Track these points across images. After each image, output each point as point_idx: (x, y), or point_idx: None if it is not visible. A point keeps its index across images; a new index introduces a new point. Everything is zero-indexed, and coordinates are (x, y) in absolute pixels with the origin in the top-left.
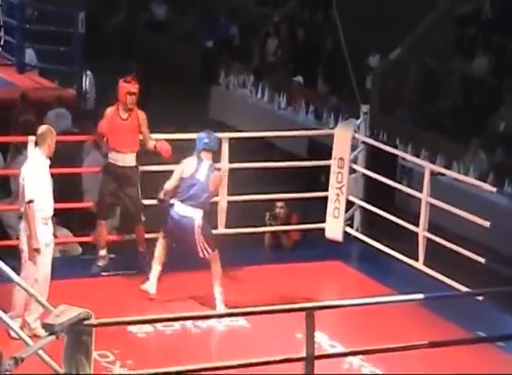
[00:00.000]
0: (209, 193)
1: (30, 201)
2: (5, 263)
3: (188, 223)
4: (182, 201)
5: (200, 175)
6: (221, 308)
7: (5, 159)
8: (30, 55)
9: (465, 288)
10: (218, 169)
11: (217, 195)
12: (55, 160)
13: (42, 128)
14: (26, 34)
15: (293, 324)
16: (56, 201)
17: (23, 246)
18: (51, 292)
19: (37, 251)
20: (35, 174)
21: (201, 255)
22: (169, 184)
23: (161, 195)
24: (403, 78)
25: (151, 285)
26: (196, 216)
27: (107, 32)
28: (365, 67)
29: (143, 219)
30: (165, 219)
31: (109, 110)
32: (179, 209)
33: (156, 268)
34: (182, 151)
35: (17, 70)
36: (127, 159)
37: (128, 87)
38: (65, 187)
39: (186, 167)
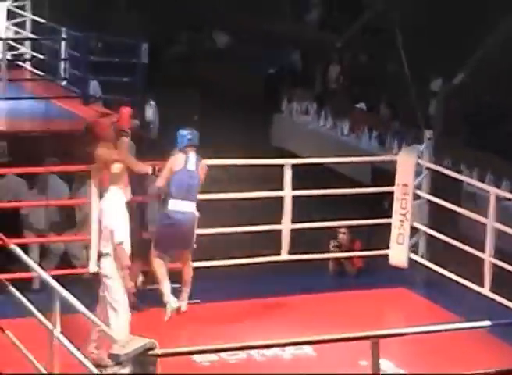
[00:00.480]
0: (200, 183)
1: (121, 243)
2: (71, 293)
3: (190, 218)
4: (181, 198)
5: (190, 166)
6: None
7: (71, 189)
8: (94, 87)
9: None
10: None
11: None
12: None
13: (117, 167)
14: (90, 66)
15: (358, 352)
16: None
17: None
18: None
19: (131, 290)
20: (121, 214)
21: (194, 247)
22: (161, 182)
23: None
24: (467, 102)
25: (174, 301)
26: (195, 210)
27: (169, 61)
28: (428, 91)
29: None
30: (156, 239)
31: None
32: (179, 207)
33: (167, 285)
34: (245, 179)
35: (82, 102)
36: None
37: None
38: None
39: (175, 162)
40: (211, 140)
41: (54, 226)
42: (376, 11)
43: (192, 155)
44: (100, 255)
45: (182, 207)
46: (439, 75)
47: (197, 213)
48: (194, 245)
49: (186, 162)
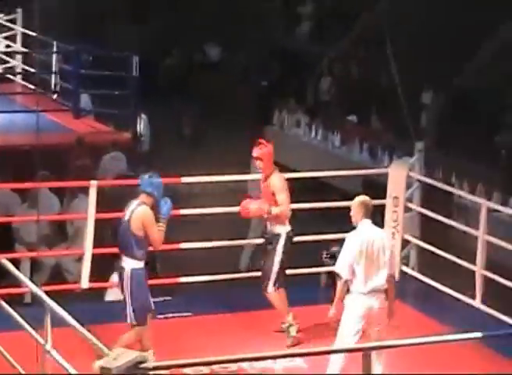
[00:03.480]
0: (133, 236)
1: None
2: (62, 307)
3: (122, 274)
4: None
5: (126, 215)
6: None
7: (62, 203)
8: (85, 100)
9: None
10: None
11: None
12: (108, 204)
13: (369, 201)
14: (81, 80)
15: (350, 363)
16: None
17: None
18: (108, 335)
19: None
20: None
21: (128, 320)
22: None
23: None
24: (459, 114)
25: None
26: (126, 266)
27: (161, 74)
28: (419, 103)
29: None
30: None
31: None
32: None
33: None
34: (234, 192)
35: (73, 115)
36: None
37: (253, 152)
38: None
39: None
40: (203, 153)
41: (45, 240)
42: (368, 23)
43: (134, 202)
44: None
45: (122, 260)
46: (431, 86)
47: (128, 272)
48: (130, 317)
49: (125, 210)
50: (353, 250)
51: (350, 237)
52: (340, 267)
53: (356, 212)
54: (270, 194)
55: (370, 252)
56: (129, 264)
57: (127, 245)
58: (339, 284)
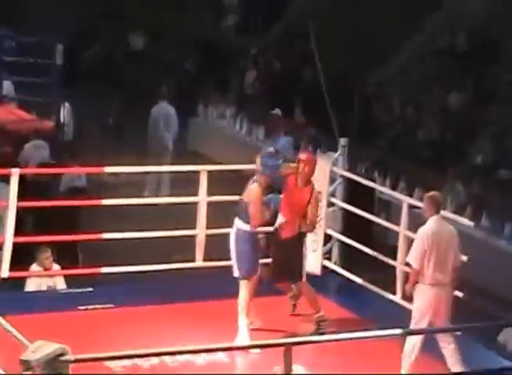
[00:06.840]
0: (243, 202)
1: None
2: None
3: (233, 234)
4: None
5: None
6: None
7: None
8: (7, 87)
9: None
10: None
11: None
12: (31, 192)
13: (438, 197)
14: (4, 66)
15: (271, 358)
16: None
17: None
18: (28, 326)
19: None
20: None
21: (234, 273)
22: None
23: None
24: (382, 110)
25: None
26: (237, 224)
27: (85, 63)
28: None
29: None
30: None
31: None
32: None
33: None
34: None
35: None
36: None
37: (302, 155)
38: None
39: None
40: (128, 143)
41: None
42: (293, 17)
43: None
44: None
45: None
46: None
47: (235, 230)
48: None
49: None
50: (423, 243)
51: (421, 231)
52: (412, 258)
53: (426, 208)
54: (305, 201)
55: (439, 246)
56: (237, 224)
57: (239, 209)
58: (412, 274)
